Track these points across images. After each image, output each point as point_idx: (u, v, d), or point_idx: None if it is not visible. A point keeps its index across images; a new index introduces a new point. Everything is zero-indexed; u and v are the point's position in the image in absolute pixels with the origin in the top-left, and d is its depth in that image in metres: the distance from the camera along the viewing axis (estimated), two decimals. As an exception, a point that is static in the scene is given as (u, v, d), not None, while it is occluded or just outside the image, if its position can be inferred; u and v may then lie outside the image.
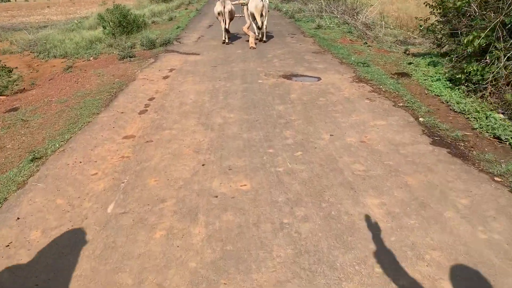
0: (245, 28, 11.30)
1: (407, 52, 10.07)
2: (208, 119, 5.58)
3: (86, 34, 17.84)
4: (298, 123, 5.23)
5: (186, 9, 25.56)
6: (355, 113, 5.53)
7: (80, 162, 4.49)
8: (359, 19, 15.57)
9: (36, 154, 4.68)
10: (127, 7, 29.44)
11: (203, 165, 4.26)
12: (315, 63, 8.57)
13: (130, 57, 10.99)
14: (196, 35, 13.67)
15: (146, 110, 6.13)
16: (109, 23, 16.47)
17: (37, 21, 34.84)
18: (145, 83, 7.75)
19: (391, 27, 15.77)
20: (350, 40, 12.31)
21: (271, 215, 3.32)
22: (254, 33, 11.22)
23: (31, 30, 24.52)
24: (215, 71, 8.31)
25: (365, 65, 8.21)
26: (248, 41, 11.19)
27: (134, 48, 12.52)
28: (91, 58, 11.90)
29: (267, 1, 10.93)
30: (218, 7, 10.91)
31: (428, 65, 8.22)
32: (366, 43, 11.61)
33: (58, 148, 4.92)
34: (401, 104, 5.85)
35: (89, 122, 5.78)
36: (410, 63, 8.56)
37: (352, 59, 8.80)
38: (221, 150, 4.60)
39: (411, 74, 7.61)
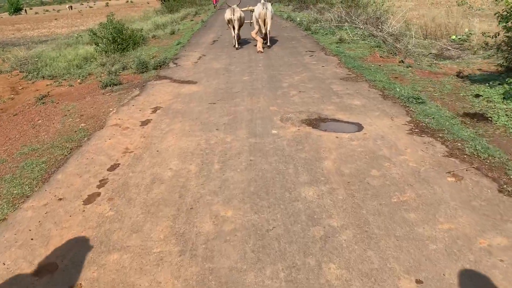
0: (253, 33, 11.44)
1: (461, 75, 7.66)
2: (188, 223, 3.23)
3: (81, 50, 15.82)
4: (348, 242, 2.85)
5: (191, 20, 23.40)
6: (442, 213, 3.12)
7: None
8: (384, 30, 13.15)
9: None
10: (127, 20, 27.50)
11: None
12: (348, 97, 6.19)
13: (114, 84, 8.81)
14: (197, 54, 11.38)
15: (98, 195, 3.81)
16: (102, 39, 14.34)
17: (40, 34, 33.12)
18: (115, 133, 5.46)
19: (421, 37, 13.34)
20: (381, 57, 9.96)
21: None
22: (262, 38, 11.26)
23: (30, 45, 22.58)
24: (212, 112, 5.98)
25: (418, 101, 5.79)
26: (256, 45, 11.24)
27: (126, 69, 10.38)
28: (78, 81, 10.11)
29: (270, 8, 10.80)
30: (228, 15, 11.04)
31: (505, 98, 5.80)
32: (403, 62, 9.25)
33: None
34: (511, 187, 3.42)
35: (-2, 223, 3.48)
36: (477, 95, 6.15)
37: (397, 89, 6.41)
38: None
39: (491, 117, 5.19)
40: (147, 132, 5.39)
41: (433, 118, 5.10)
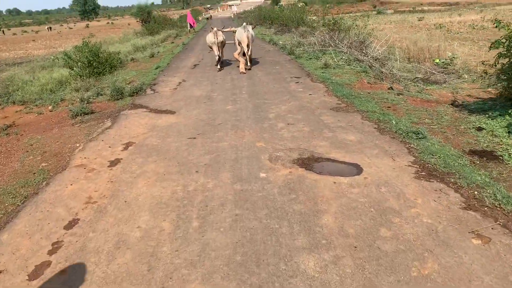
0: (235, 54, 11.58)
1: (456, 103, 7.22)
2: (159, 313, 2.49)
3: (56, 73, 14.98)
4: None
5: (172, 42, 22.83)
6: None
7: None
8: (369, 54, 12.80)
9: None
10: (106, 42, 26.78)
11: None
12: (341, 131, 5.59)
13: (85, 113, 8.06)
14: (176, 79, 10.72)
15: (48, 265, 3.05)
16: (77, 63, 13.56)
17: (16, 56, 32.04)
18: (79, 176, 4.70)
19: (405, 61, 13.05)
20: (368, 83, 9.51)
21: None
22: (245, 59, 11.39)
23: (3, 67, 21.61)
24: (192, 149, 5.28)
25: (418, 136, 5.23)
26: (238, 66, 11.28)
27: (100, 95, 9.65)
28: (50, 107, 9.51)
29: (251, 31, 11.07)
30: (211, 38, 11.24)
31: (510, 133, 5.30)
32: (392, 89, 8.80)
33: None
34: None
35: None
36: (479, 128, 5.64)
37: (394, 122, 5.86)
38: None
39: (502, 156, 4.64)
40: (115, 175, 4.64)
41: (439, 157, 4.53)
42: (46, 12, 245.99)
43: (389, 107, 7.02)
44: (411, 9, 50.59)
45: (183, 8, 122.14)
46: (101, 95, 9.86)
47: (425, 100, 7.79)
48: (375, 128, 5.73)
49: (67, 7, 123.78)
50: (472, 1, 54.83)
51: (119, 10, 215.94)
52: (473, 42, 19.03)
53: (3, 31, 70.12)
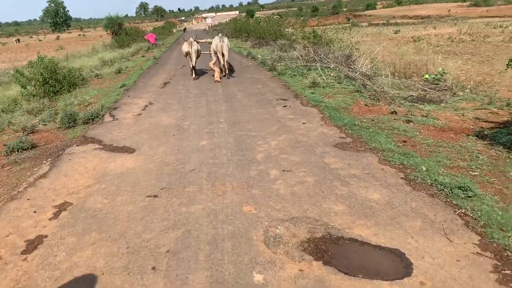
0: (211, 64, 11.58)
1: (481, 134, 5.83)
2: None
3: (12, 91, 12.94)
4: None
5: (143, 56, 20.99)
6: None
7: None
8: (357, 70, 11.40)
9: None
10: (73, 55, 24.65)
11: None
12: (358, 184, 4.02)
13: (24, 149, 6.26)
14: (142, 101, 8.97)
15: None
16: (30, 81, 11.59)
17: (-25, 70, 29.40)
18: (-33, 276, 2.89)
19: (392, 76, 11.75)
20: (366, 105, 8.10)
21: None
22: (220, 68, 11.42)
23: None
24: (150, 220, 3.58)
25: (466, 192, 3.70)
26: (214, 75, 11.22)
27: (51, 121, 7.83)
28: None
29: (227, 42, 11.12)
30: (185, 48, 11.32)
31: None
32: (396, 113, 7.38)
33: None
34: None
35: None
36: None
37: (423, 168, 4.33)
38: None
39: None
40: (29, 270, 2.89)
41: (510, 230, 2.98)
42: (16, 23, 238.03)
43: (405, 142, 5.52)
44: (385, 21, 50.34)
45: (157, 20, 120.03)
46: (50, 121, 8.03)
47: (439, 129, 6.38)
48: (402, 178, 4.17)
49: (38, 18, 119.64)
50: (443, 15, 55.25)
51: (92, 21, 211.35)
52: (455, 55, 18.08)
53: (-32, 43, 66.28)
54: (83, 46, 37.68)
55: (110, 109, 8.35)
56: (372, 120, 6.75)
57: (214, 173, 4.54)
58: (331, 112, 6.98)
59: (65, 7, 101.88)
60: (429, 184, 4.01)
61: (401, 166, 4.48)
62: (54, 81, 11.76)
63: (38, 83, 11.56)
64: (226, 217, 3.52)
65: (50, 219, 3.74)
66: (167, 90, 10.07)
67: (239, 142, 5.58)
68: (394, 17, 59.11)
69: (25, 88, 11.58)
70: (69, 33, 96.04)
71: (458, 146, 5.32)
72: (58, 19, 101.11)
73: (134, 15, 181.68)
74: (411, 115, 7.45)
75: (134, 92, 10.12)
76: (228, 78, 11.34)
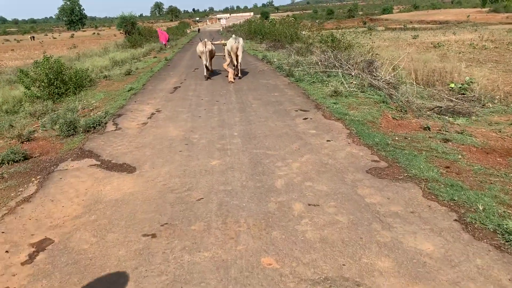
0: (225, 65, 11.65)
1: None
2: None
3: (17, 91, 12.43)
4: None
5: (154, 57, 20.37)
6: None
7: None
8: (380, 77, 10.56)
9: None
10: (85, 54, 24.16)
11: None
12: (403, 228, 3.25)
13: (15, 161, 5.62)
14: (149, 108, 8.27)
15: None
16: (34, 82, 11.02)
17: (-13, 67, 29.17)
18: None
19: (416, 84, 10.92)
20: (394, 119, 7.32)
21: None
22: (233, 69, 11.44)
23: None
24: (144, 272, 2.82)
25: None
26: (227, 76, 11.21)
27: (54, 125, 7.23)
28: None
29: (242, 43, 11.13)
30: (200, 48, 11.37)
31: None
32: (429, 128, 6.60)
33: None
34: None
35: None
36: None
37: (480, 208, 3.50)
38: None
39: None
40: None
41: None
42: (32, 21, 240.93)
43: (448, 168, 4.70)
44: (402, 26, 49.19)
45: (171, 20, 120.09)
46: (50, 127, 7.39)
47: (481, 149, 5.57)
48: (455, 220, 3.36)
49: (53, 16, 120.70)
50: (462, 20, 53.87)
51: (107, 20, 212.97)
52: (480, 63, 17.10)
53: (-16, 39, 66.80)
54: (96, 45, 37.31)
55: (114, 116, 7.66)
56: (405, 137, 5.94)
57: (225, 204, 3.78)
58: (358, 127, 6.17)
59: (81, 6, 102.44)
60: (491, 230, 3.19)
61: (451, 204, 3.67)
62: (59, 82, 11.18)
63: (42, 84, 10.97)
64: (239, 273, 2.74)
65: (23, 264, 3.01)
66: (176, 96, 9.35)
67: (255, 163, 4.81)
68: (411, 22, 57.86)
69: (29, 89, 11.00)
70: (83, 31, 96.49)
71: (511, 174, 4.49)
72: (73, 17, 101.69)
73: (149, 14, 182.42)
74: (446, 131, 6.64)
75: (141, 97, 9.42)
76: (240, 77, 11.44)
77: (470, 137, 6.24)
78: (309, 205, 3.71)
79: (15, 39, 67.18)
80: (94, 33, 77.53)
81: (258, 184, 4.20)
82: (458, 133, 6.58)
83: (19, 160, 5.72)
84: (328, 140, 5.61)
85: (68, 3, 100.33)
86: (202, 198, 3.93)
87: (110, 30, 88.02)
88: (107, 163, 5.10)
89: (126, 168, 4.87)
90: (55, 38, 69.28)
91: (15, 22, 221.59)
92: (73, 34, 75.28)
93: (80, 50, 33.31)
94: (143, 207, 3.80)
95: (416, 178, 4.28)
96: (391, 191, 3.96)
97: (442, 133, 6.48)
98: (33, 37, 66.03)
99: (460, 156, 5.15)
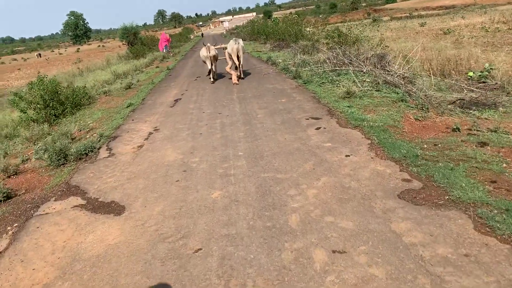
0: (227, 68, 11.84)
1: None
2: None
3: (17, 114, 11.92)
4: None
5: (157, 67, 19.74)
6: None
7: None
8: (394, 72, 9.69)
9: None
10: (88, 68, 23.66)
11: None
12: (458, 281, 2.41)
13: (-3, 201, 4.95)
14: (146, 127, 7.56)
15: None
16: (30, 104, 10.45)
17: (-8, 88, 28.99)
18: None
19: (431, 75, 10.03)
20: (416, 120, 6.46)
21: None
22: (236, 71, 11.46)
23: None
24: None
25: None
26: (231, 79, 11.24)
27: (44, 153, 6.62)
28: None
29: (242, 44, 11.11)
30: (204, 53, 11.46)
31: None
32: (459, 129, 5.74)
33: None
34: None
35: None
36: None
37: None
38: None
39: None
40: None
41: None
42: (39, 38, 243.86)
43: (495, 183, 3.88)
44: (408, 14, 47.84)
45: (175, 27, 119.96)
46: (39, 157, 6.74)
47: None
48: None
49: (59, 32, 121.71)
50: (469, 3, 52.21)
51: (112, 32, 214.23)
52: (495, 47, 16.02)
53: (-8, 60, 67.33)
54: (101, 58, 36.90)
55: (109, 139, 6.97)
56: (435, 144, 5.12)
57: (229, 257, 3.01)
58: (380, 135, 5.36)
59: (85, 19, 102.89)
60: None
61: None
62: (56, 103, 10.59)
63: (38, 106, 10.39)
64: None
65: None
66: (177, 110, 8.62)
67: (263, 193, 4.03)
68: (416, 9, 56.38)
69: (25, 112, 10.43)
70: (89, 44, 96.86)
71: None
72: (78, 32, 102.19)
73: (153, 23, 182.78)
74: (477, 130, 5.79)
75: (140, 114, 8.73)
76: (243, 78, 11.49)
77: (507, 135, 5.40)
78: (334, 252, 2.93)
79: (22, 58, 67.52)
80: (99, 46, 77.65)
81: (268, 224, 3.42)
82: (492, 131, 5.74)
83: (1, 200, 5.07)
84: (347, 155, 4.81)
85: (72, 18, 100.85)
86: (200, 249, 3.18)
87: (114, 42, 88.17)
88: (93, 203, 4.38)
89: (113, 209, 4.14)
90: (61, 53, 69.46)
91: (22, 40, 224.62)
92: (79, 48, 75.48)
93: (83, 64, 32.96)
94: (128, 266, 3.06)
95: (460, 202, 3.46)
96: (433, 224, 3.15)
97: (475, 134, 5.65)
98: (40, 54, 66.25)
99: (504, 165, 4.32)
